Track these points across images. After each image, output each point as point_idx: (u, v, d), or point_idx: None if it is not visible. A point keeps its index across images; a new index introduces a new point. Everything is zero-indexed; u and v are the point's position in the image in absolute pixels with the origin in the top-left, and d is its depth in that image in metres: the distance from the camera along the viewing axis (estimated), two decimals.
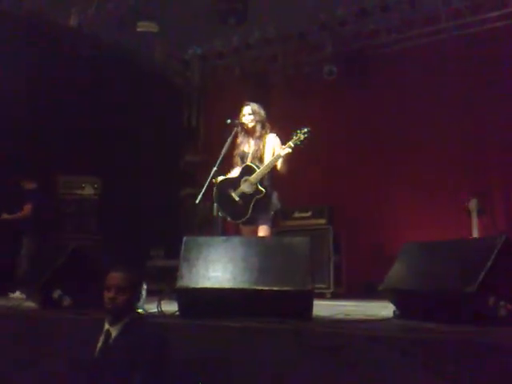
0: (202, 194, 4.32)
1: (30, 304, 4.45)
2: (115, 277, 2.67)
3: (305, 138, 4.30)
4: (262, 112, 4.67)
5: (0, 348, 3.69)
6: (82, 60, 7.43)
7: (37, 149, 6.65)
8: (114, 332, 2.63)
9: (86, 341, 2.78)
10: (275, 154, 4.39)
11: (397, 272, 3.35)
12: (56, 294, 3.74)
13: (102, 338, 2.65)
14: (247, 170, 4.47)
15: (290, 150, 4.29)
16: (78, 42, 7.54)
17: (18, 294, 5.72)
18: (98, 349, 2.62)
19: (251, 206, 4.37)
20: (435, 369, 2.22)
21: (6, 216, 6.24)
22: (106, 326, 2.66)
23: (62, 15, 7.45)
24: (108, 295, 2.63)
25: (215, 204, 4.51)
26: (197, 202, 4.34)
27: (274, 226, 4.69)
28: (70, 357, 3.04)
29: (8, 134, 6.34)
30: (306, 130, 4.32)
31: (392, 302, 3.39)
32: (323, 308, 4.12)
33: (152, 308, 3.75)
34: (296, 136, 4.31)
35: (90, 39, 7.82)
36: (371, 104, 8.01)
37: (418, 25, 7.52)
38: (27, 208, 6.27)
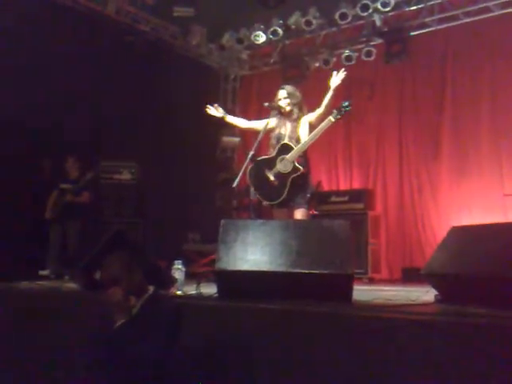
0: (238, 177, 4.26)
1: (72, 285, 4.57)
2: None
3: (345, 112, 4.26)
4: (298, 94, 4.60)
5: (43, 326, 3.81)
6: (120, 47, 7.48)
7: (76, 135, 6.73)
8: (133, 310, 2.70)
9: None
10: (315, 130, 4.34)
11: (441, 256, 3.26)
12: (98, 274, 3.79)
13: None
14: (284, 149, 4.39)
15: (333, 120, 4.25)
16: (115, 30, 7.58)
17: (46, 272, 5.90)
18: (119, 324, 2.69)
19: (287, 186, 4.30)
20: (482, 352, 2.15)
21: (70, 198, 6.30)
22: None
23: (99, 2, 7.50)
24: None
25: (251, 187, 4.47)
26: (234, 185, 4.28)
27: (310, 209, 4.63)
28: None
29: (50, 122, 6.42)
30: (346, 103, 4.27)
31: (434, 287, 3.31)
32: (362, 293, 4.04)
33: (191, 290, 3.79)
34: (336, 110, 4.26)
35: (127, 26, 7.86)
36: (412, 85, 7.82)
37: (461, 3, 7.26)
38: (86, 195, 6.36)
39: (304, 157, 4.45)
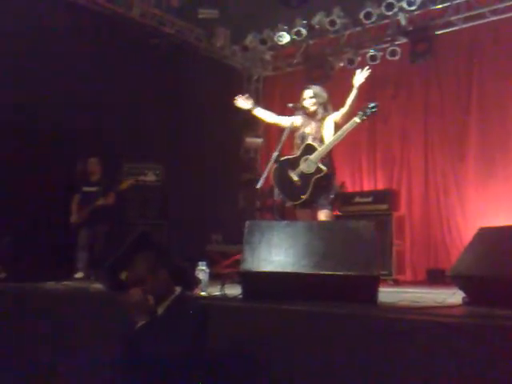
0: (262, 178, 4.22)
1: (98, 286, 4.63)
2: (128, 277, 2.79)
3: (371, 113, 4.20)
4: (324, 94, 4.57)
5: (69, 326, 3.86)
6: (144, 49, 7.55)
7: (102, 137, 6.80)
8: (159, 310, 2.70)
9: None
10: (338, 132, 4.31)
11: (469, 257, 3.20)
12: (124, 275, 3.82)
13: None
14: (308, 149, 4.37)
15: (358, 121, 4.21)
16: (140, 32, 7.65)
17: (80, 274, 5.92)
18: (140, 325, 2.66)
19: (310, 186, 4.28)
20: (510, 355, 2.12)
21: (100, 201, 6.24)
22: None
23: (124, 5, 7.57)
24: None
25: (275, 187, 4.47)
26: (257, 186, 4.24)
27: (333, 210, 4.59)
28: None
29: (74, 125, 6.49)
30: (373, 104, 4.21)
31: (461, 289, 3.25)
32: (387, 295, 3.98)
33: (215, 291, 3.80)
34: (362, 111, 4.21)
35: (153, 29, 7.92)
36: (437, 85, 7.72)
37: (488, 1, 7.13)
38: (112, 196, 6.34)
39: (328, 157, 4.42)
